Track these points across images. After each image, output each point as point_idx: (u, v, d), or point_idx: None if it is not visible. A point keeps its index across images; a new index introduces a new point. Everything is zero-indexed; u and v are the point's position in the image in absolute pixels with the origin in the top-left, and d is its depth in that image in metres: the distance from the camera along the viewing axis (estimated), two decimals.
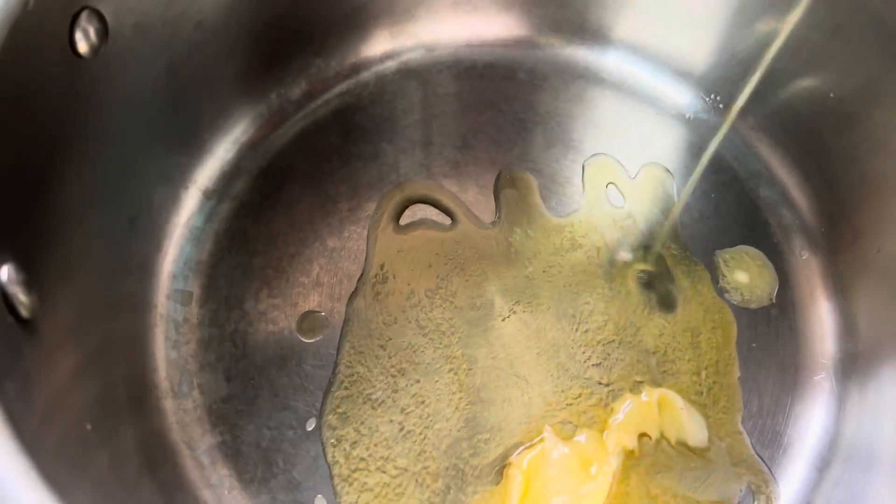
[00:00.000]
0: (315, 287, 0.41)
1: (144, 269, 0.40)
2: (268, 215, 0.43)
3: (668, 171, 0.45)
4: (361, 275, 0.41)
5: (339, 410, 0.38)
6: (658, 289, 0.41)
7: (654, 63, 0.47)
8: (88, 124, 0.35)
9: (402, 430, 0.38)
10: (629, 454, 0.37)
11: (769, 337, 0.41)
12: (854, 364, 0.39)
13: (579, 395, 0.39)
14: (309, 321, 0.41)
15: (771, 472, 0.38)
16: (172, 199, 0.42)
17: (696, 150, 0.45)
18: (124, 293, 0.39)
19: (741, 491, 0.38)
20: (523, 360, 0.40)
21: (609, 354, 0.40)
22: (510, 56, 0.48)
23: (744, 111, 0.44)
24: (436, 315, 0.41)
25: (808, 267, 0.42)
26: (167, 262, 0.41)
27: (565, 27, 0.48)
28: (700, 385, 0.39)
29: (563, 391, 0.39)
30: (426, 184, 0.44)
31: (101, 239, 0.37)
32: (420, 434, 0.38)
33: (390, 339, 0.40)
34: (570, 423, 0.38)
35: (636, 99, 0.47)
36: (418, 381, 0.39)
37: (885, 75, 0.35)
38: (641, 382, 0.39)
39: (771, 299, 0.41)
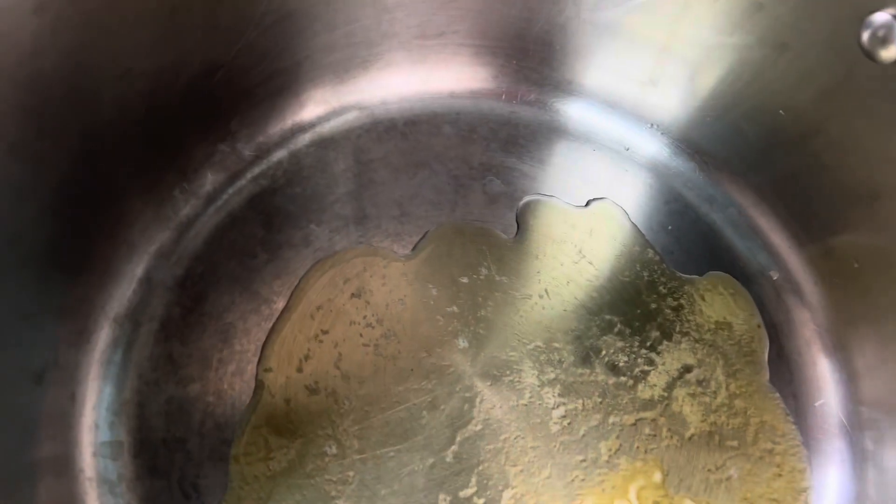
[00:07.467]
0: None
1: (59, 426, 0.33)
2: (195, 332, 0.37)
3: (619, 206, 0.42)
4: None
5: None
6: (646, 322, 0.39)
7: (588, 98, 0.45)
8: None
9: None
10: None
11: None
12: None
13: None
14: None
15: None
16: (79, 337, 0.35)
17: (647, 188, 0.43)
18: (41, 460, 0.32)
19: None
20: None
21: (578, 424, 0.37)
22: (430, 109, 0.44)
23: (695, 140, 0.43)
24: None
25: (782, 290, 0.41)
26: (86, 412, 0.34)
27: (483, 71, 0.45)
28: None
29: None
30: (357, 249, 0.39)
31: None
32: None
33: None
34: None
35: (571, 138, 0.44)
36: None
37: (837, 89, 0.34)
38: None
39: (758, 324, 0.39)
